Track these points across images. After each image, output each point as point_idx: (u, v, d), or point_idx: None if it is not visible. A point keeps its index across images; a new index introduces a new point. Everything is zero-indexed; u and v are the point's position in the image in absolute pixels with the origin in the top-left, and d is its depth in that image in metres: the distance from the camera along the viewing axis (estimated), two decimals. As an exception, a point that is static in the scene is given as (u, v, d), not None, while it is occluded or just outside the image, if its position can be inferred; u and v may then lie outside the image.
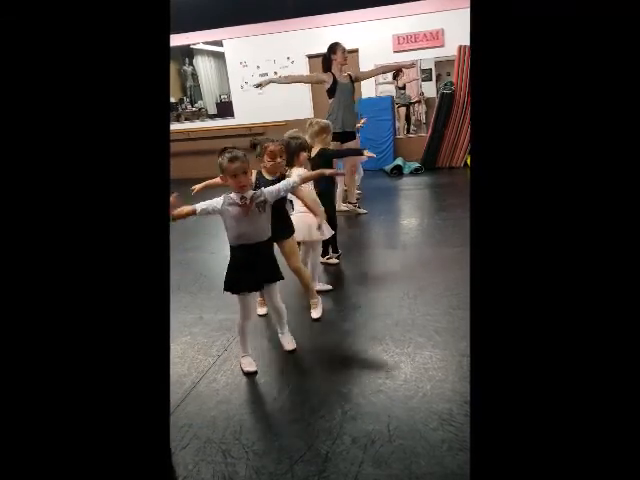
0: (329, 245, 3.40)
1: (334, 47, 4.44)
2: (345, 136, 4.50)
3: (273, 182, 2.27)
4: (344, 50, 4.45)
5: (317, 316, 2.60)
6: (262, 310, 2.68)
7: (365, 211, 4.82)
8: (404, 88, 7.52)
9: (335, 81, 4.43)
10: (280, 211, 2.41)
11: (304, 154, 2.72)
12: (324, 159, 3.09)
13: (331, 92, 4.50)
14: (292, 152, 2.58)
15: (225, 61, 7.94)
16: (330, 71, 4.46)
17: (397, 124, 7.64)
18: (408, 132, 7.74)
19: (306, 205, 2.51)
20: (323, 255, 3.31)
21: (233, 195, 1.95)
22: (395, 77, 7.45)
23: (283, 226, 2.46)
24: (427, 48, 7.08)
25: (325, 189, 3.09)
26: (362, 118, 5.73)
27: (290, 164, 2.61)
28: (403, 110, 7.61)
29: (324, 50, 4.58)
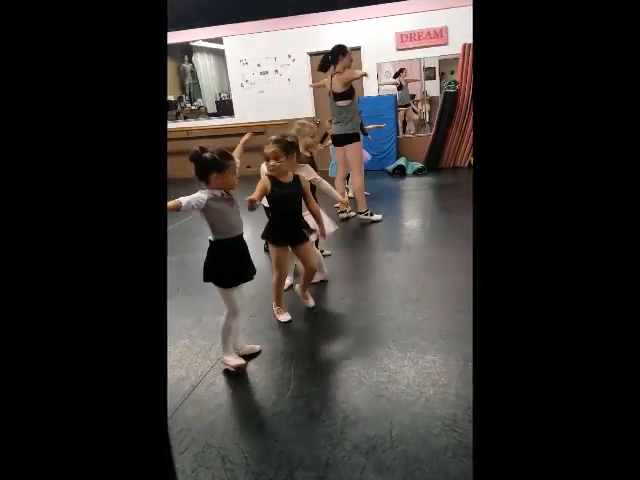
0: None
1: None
2: None
3: (284, 185, 2.40)
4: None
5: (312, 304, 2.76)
6: (285, 317, 2.63)
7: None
8: (401, 88, 7.40)
9: None
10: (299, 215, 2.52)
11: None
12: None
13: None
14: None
15: (225, 59, 7.90)
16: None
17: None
18: (404, 133, 7.64)
19: (311, 211, 2.58)
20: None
21: (216, 192, 2.01)
22: (396, 76, 7.36)
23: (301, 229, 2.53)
24: (431, 46, 7.04)
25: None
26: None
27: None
28: (403, 111, 7.52)
29: (325, 48, 4.48)
